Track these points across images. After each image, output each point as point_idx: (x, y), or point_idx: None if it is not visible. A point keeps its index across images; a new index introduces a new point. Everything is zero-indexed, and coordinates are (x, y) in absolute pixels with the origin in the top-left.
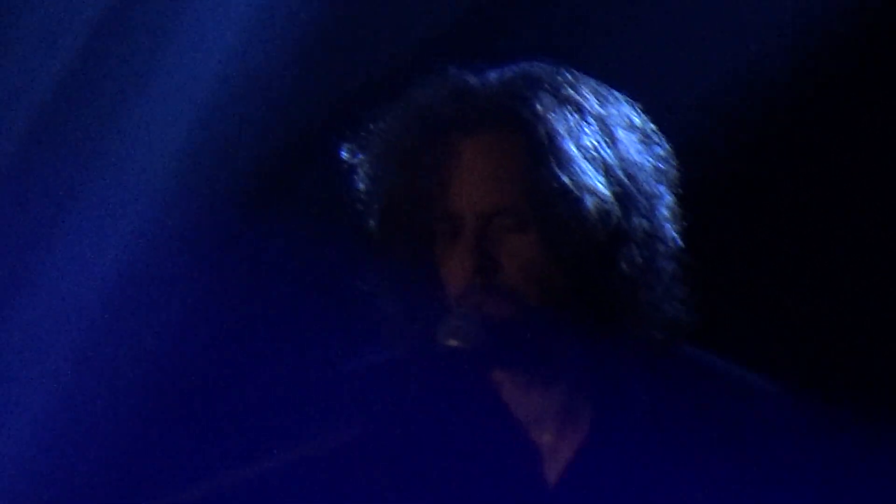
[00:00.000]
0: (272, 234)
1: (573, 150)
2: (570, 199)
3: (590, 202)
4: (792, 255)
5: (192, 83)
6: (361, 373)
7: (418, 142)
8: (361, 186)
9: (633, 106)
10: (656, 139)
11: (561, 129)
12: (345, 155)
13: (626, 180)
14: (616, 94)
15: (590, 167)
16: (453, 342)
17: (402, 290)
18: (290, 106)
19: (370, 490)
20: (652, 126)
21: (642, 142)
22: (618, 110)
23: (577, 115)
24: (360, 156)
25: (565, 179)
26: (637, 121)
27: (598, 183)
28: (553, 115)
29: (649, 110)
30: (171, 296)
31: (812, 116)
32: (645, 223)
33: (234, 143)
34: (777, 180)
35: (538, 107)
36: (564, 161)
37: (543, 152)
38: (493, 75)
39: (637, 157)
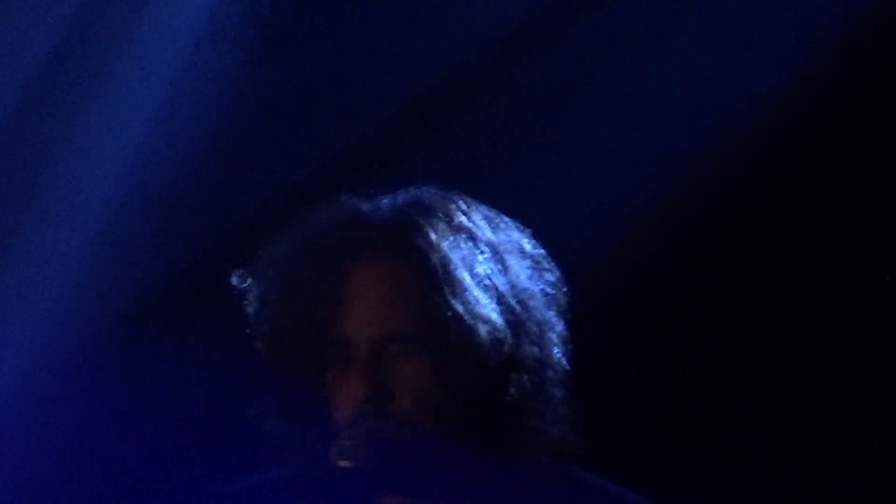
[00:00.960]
0: (162, 356)
1: (467, 278)
2: (463, 327)
3: (483, 330)
4: (678, 382)
5: (82, 204)
6: (252, 490)
7: (310, 266)
8: (251, 310)
9: (523, 232)
10: (547, 265)
11: (455, 257)
12: (236, 280)
13: (517, 308)
14: (507, 220)
15: (483, 296)
16: (344, 462)
17: (293, 413)
18: (182, 231)
19: None
20: (542, 252)
21: (533, 268)
22: (509, 237)
23: (470, 244)
24: (251, 280)
25: (459, 308)
26: (528, 247)
27: (492, 312)
28: (447, 243)
29: (539, 236)
30: (59, 414)
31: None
32: (535, 350)
33: (124, 269)
34: (664, 305)
35: (432, 235)
36: (458, 290)
37: (437, 281)
38: (385, 202)
39: (528, 284)
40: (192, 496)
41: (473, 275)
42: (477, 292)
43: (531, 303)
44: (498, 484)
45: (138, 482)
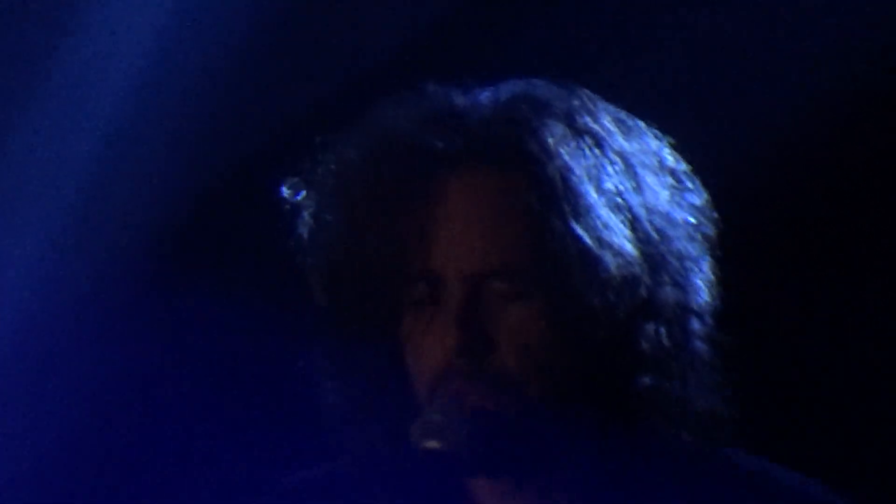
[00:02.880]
0: (191, 300)
1: (593, 195)
2: (588, 259)
3: (613, 264)
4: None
5: (94, 104)
6: (308, 488)
7: (386, 178)
8: (306, 234)
9: (662, 141)
10: (692, 185)
11: (578, 168)
12: (285, 193)
13: (655, 237)
14: (641, 124)
15: (614, 218)
16: (429, 443)
17: (360, 375)
18: (216, 131)
19: None
20: (685, 167)
21: (674, 188)
22: (644, 146)
23: (597, 151)
24: (306, 194)
25: (583, 233)
26: (669, 160)
27: (624, 240)
28: (567, 149)
29: (681, 147)
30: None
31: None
32: (677, 294)
33: (142, 181)
34: (832, 235)
35: (548, 138)
36: (582, 209)
37: (555, 197)
38: (485, 95)
39: (668, 208)
40: (233, 498)
41: (601, 191)
42: (607, 213)
43: (672, 232)
44: (626, 470)
45: (147, 481)
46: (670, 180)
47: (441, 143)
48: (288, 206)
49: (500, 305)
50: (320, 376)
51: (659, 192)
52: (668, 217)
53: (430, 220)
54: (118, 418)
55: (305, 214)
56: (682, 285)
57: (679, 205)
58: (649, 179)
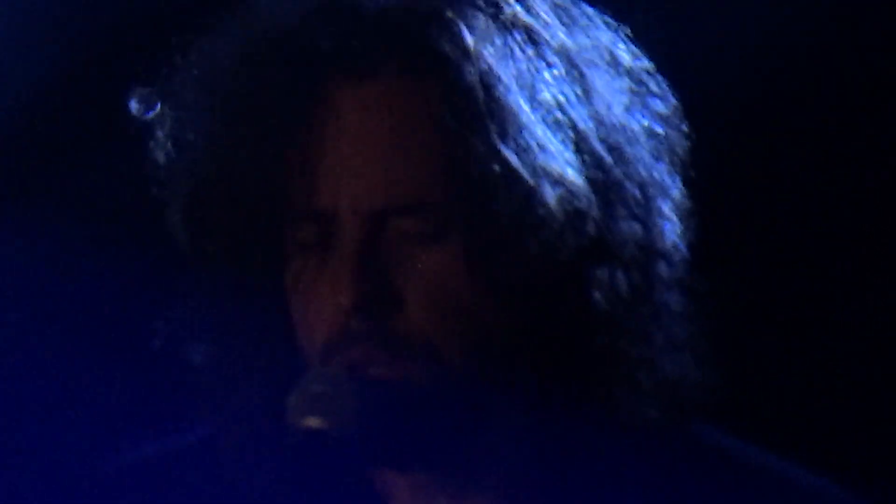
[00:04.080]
0: (23, 238)
1: (526, 108)
2: (520, 190)
3: (552, 196)
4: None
5: None
6: (161, 459)
7: (261, 87)
8: (161, 159)
9: (617, 33)
10: (655, 88)
11: (505, 72)
12: (134, 108)
13: (607, 158)
14: (589, 11)
15: (552, 137)
16: (310, 421)
17: (233, 334)
18: (46, 36)
19: None
20: (647, 65)
21: (633, 93)
22: (593, 40)
23: (530, 50)
24: (161, 109)
25: (512, 157)
26: (625, 58)
27: (566, 164)
28: (491, 48)
29: (642, 40)
30: None
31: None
32: (637, 228)
33: None
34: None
35: (467, 34)
36: (512, 127)
37: (477, 111)
38: None
39: (625, 119)
40: (75, 468)
41: (536, 102)
42: (542, 131)
43: (630, 150)
44: (572, 456)
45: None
46: (627, 83)
47: (329, 42)
48: (138, 125)
49: (406, 250)
50: (183, 334)
51: (612, 100)
52: (624, 131)
53: (317, 141)
54: None
55: (160, 134)
56: (644, 219)
57: (639, 114)
58: (599, 83)
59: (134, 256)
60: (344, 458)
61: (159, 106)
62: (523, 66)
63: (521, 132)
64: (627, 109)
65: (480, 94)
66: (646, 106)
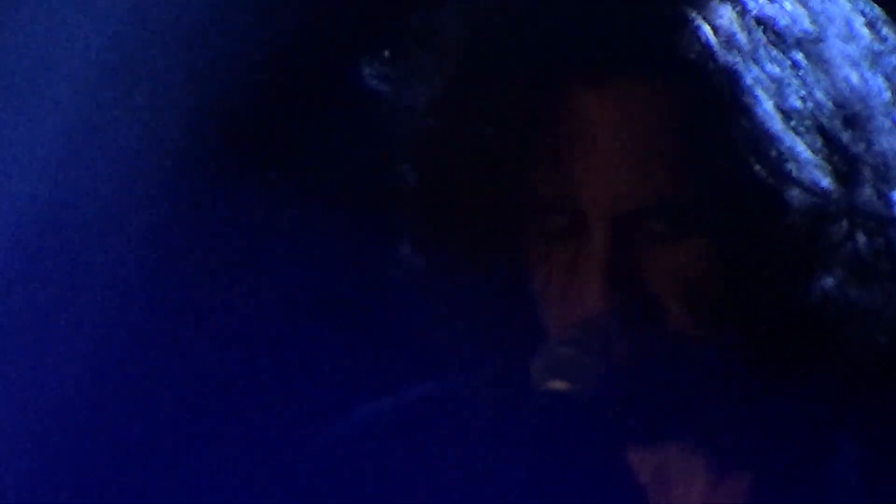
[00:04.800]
0: (260, 212)
1: (771, 110)
2: (769, 198)
3: (797, 199)
4: None
5: None
6: (401, 412)
7: (506, 81)
8: (402, 134)
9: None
10: (894, 41)
11: (750, 74)
12: (367, 74)
13: (846, 136)
14: None
15: (801, 142)
16: (557, 384)
17: (473, 311)
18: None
19: None
20: (881, 15)
21: (871, 53)
22: (832, 12)
23: (775, 49)
24: (398, 77)
25: (761, 166)
26: (863, 15)
27: (813, 167)
28: (736, 46)
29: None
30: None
31: None
32: (877, 202)
33: (194, 72)
34: None
35: (710, 37)
36: (757, 130)
37: (723, 116)
38: None
39: (864, 88)
40: (310, 424)
41: (782, 104)
42: (792, 137)
43: (871, 121)
44: (799, 425)
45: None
46: (866, 41)
47: (569, 49)
48: (368, 96)
49: (653, 246)
50: (421, 309)
51: (850, 66)
52: (863, 97)
53: (565, 140)
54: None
55: (399, 100)
56: (884, 191)
57: (879, 73)
58: (840, 62)
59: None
60: (584, 423)
61: (397, 75)
62: (768, 67)
63: (769, 139)
64: (867, 73)
65: (727, 97)
66: (885, 64)
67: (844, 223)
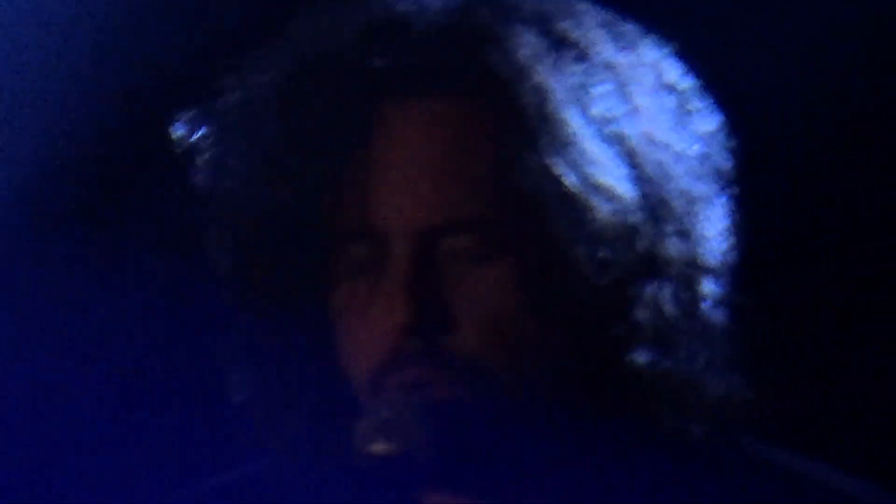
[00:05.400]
0: (77, 262)
1: (577, 122)
2: (575, 205)
3: (605, 211)
4: None
5: None
6: (218, 495)
7: (309, 108)
8: (206, 183)
9: (662, 50)
10: (700, 106)
11: (556, 88)
12: (179, 132)
13: (656, 175)
14: (635, 29)
15: (605, 153)
16: (379, 447)
17: (279, 362)
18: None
19: None
20: (692, 84)
21: (678, 111)
22: (640, 58)
23: (580, 65)
24: (206, 131)
25: (567, 172)
26: (670, 75)
27: (619, 178)
28: (542, 65)
29: (688, 57)
30: None
31: None
32: (684, 245)
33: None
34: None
35: (519, 52)
36: (565, 142)
37: (530, 127)
38: None
39: (671, 137)
40: None
41: (588, 118)
42: (595, 146)
43: (676, 168)
44: (622, 468)
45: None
46: (673, 100)
47: (379, 61)
48: (182, 149)
49: (459, 268)
50: (227, 364)
51: (658, 117)
52: (670, 149)
53: (367, 162)
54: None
55: (205, 157)
56: (691, 235)
57: (685, 132)
58: (646, 101)
59: (179, 281)
60: (403, 482)
61: (204, 129)
62: (574, 82)
63: (574, 148)
64: (672, 127)
65: (534, 110)
66: (690, 124)
67: (651, 266)
